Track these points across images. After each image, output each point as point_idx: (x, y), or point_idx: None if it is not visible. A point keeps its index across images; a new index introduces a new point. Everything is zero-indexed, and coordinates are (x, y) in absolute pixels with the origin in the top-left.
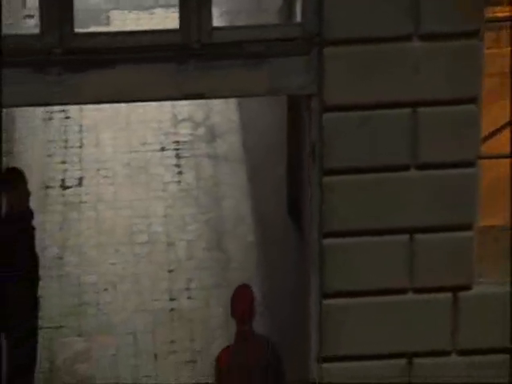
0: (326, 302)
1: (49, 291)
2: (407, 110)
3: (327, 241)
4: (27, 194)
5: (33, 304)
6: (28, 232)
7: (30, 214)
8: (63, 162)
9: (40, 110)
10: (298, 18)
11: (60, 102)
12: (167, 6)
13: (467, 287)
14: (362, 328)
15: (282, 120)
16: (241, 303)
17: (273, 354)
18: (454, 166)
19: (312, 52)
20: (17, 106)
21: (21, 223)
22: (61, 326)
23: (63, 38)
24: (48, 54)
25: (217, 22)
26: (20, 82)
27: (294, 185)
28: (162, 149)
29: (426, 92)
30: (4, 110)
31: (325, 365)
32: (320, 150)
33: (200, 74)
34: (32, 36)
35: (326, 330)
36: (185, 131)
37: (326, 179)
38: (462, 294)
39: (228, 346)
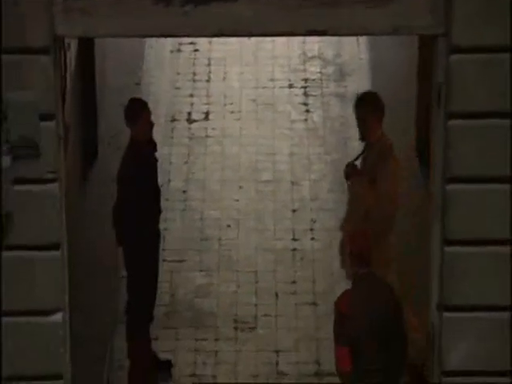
0: (448, 249)
1: (171, 224)
2: None
3: (451, 186)
4: (150, 125)
5: (154, 236)
6: (150, 164)
7: (153, 146)
8: (190, 96)
9: (169, 42)
10: None
11: (181, 34)
12: None
13: None
14: (485, 278)
15: (413, 60)
16: (359, 245)
17: (393, 299)
18: None
19: None
20: (138, 36)
21: (143, 154)
22: (182, 260)
23: None
24: None
25: None
26: (141, 13)
27: (422, 127)
28: (290, 86)
29: None
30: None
31: (445, 314)
32: (446, 93)
33: (323, 10)
34: None
35: (448, 278)
36: (314, 69)
37: (451, 123)
38: None
39: (347, 290)
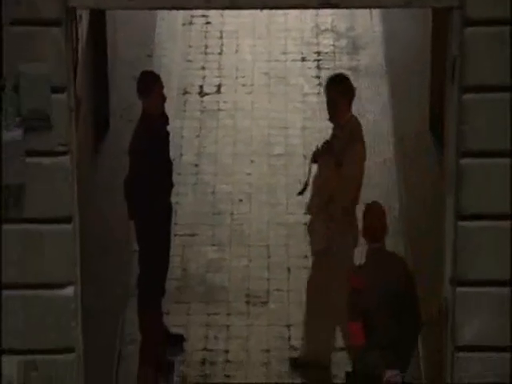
0: (462, 223)
1: (183, 199)
2: None
3: (464, 161)
4: (163, 98)
5: (166, 210)
6: (162, 137)
7: (165, 119)
8: (202, 68)
9: (180, 15)
10: None
11: (193, 6)
12: None
13: None
14: (499, 252)
15: (427, 33)
16: (372, 220)
17: (405, 273)
18: None
19: None
20: (149, 8)
21: (155, 127)
22: (194, 234)
23: None
24: None
25: None
26: None
27: (436, 100)
28: (303, 59)
29: None
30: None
31: (459, 288)
32: (460, 66)
33: None
34: None
35: (461, 253)
36: (326, 42)
37: (466, 97)
38: None
39: (360, 265)
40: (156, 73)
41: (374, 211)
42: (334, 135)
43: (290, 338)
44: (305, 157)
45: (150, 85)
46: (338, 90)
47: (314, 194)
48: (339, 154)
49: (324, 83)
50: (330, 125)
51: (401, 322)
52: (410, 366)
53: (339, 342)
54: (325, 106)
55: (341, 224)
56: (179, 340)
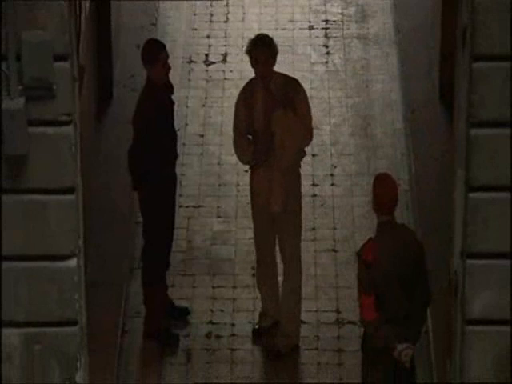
0: (472, 195)
1: (189, 169)
2: None
3: (475, 131)
4: (167, 67)
5: (170, 181)
6: (167, 106)
7: (169, 89)
8: (208, 37)
9: None
10: None
11: None
12: None
13: None
14: (509, 225)
15: (437, 1)
16: (383, 193)
17: (416, 246)
18: None
19: None
20: None
21: (160, 97)
22: (199, 206)
23: None
24: None
25: None
26: None
27: (447, 70)
28: (310, 27)
29: None
30: None
31: (469, 261)
32: (471, 35)
33: None
34: None
35: (472, 225)
36: (335, 10)
37: (476, 65)
38: None
39: (370, 238)
40: (161, 41)
41: (385, 183)
42: (268, 92)
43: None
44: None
45: (155, 53)
46: (271, 52)
47: (282, 153)
48: (284, 102)
49: (249, 45)
50: (338, 94)
51: (411, 295)
52: (420, 339)
53: (347, 315)
54: (332, 75)
55: (293, 181)
56: (184, 313)
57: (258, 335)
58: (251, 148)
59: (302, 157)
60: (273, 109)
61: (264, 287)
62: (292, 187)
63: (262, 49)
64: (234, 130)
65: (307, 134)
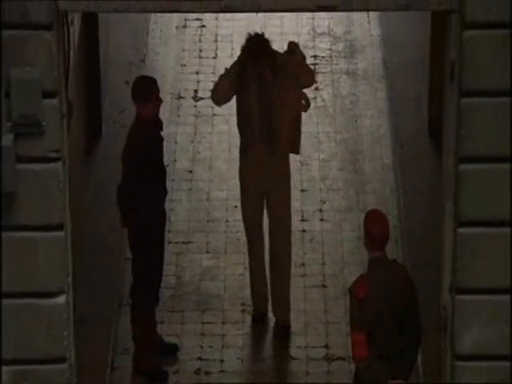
0: (461, 230)
1: (178, 205)
2: None
3: (464, 166)
4: (159, 103)
5: (160, 217)
6: (156, 142)
7: (159, 124)
8: (197, 73)
9: (174, 18)
10: None
11: (187, 10)
12: None
13: None
14: (499, 260)
15: (426, 36)
16: (375, 229)
17: (407, 282)
18: None
19: None
20: (142, 11)
21: (149, 133)
22: (189, 242)
23: None
24: None
25: None
26: None
27: (435, 105)
28: None
29: None
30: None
31: (458, 296)
32: (459, 70)
33: None
34: None
35: (460, 260)
36: (323, 45)
37: (465, 101)
38: None
39: (362, 275)
40: (152, 78)
41: (377, 219)
42: (266, 81)
43: (287, 347)
44: (301, 162)
45: (149, 91)
46: (268, 49)
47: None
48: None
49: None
50: (327, 130)
51: (403, 331)
52: (412, 375)
53: (337, 350)
54: (321, 110)
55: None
56: (173, 349)
57: (257, 321)
58: (227, 87)
59: (307, 108)
60: (268, 96)
61: (254, 266)
62: (282, 167)
63: (262, 46)
64: (221, 76)
65: (309, 76)
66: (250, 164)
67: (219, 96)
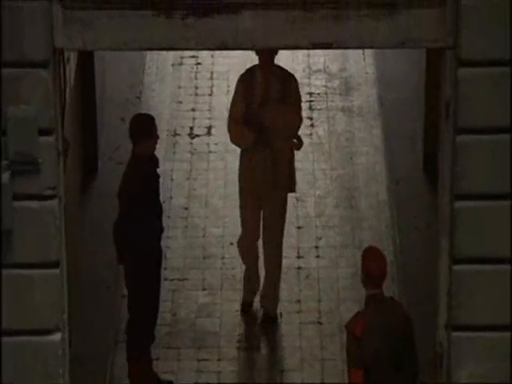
0: (457, 267)
1: (173, 242)
2: None
3: (459, 203)
4: (155, 140)
5: (156, 254)
6: (152, 180)
7: (155, 162)
8: (192, 110)
9: (170, 55)
10: None
11: (183, 47)
12: None
13: None
14: (494, 297)
15: (421, 74)
16: (372, 266)
17: (404, 319)
18: None
19: (448, 3)
20: (138, 49)
21: (146, 170)
22: (185, 279)
23: None
24: None
25: None
26: (142, 26)
27: (430, 142)
28: None
29: None
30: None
31: (454, 333)
32: (454, 107)
33: (328, 22)
34: None
35: (456, 297)
36: (319, 82)
37: (460, 138)
38: None
39: (359, 312)
40: (150, 115)
41: (374, 257)
42: (266, 82)
43: None
44: (297, 199)
45: (147, 128)
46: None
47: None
48: (282, 92)
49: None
50: (322, 167)
51: (400, 368)
52: None
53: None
54: (317, 147)
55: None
56: None
57: (245, 311)
58: (247, 131)
59: (300, 146)
60: (268, 98)
61: (247, 257)
62: (283, 166)
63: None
64: (229, 118)
65: (297, 117)
66: (249, 159)
67: (243, 140)
